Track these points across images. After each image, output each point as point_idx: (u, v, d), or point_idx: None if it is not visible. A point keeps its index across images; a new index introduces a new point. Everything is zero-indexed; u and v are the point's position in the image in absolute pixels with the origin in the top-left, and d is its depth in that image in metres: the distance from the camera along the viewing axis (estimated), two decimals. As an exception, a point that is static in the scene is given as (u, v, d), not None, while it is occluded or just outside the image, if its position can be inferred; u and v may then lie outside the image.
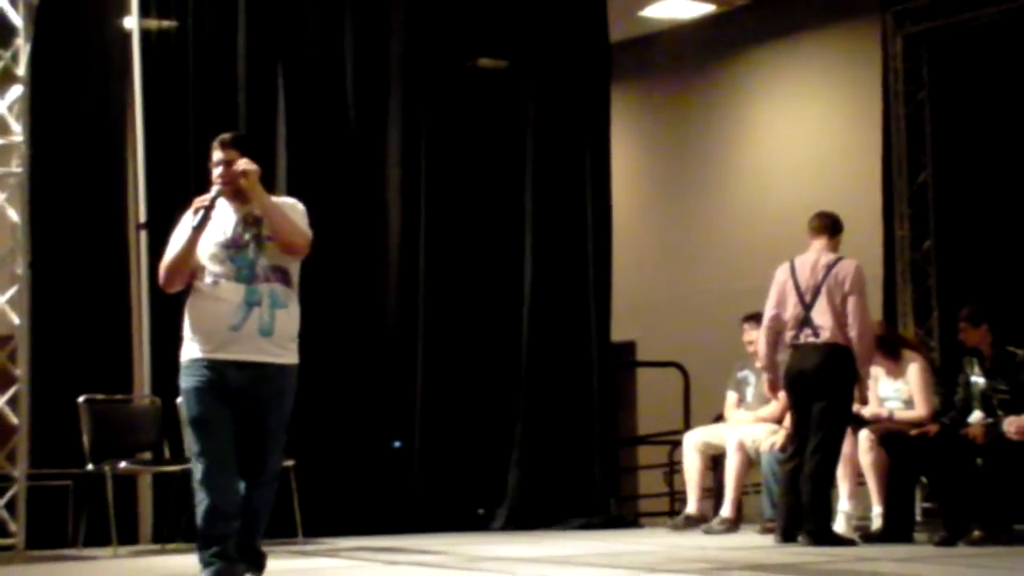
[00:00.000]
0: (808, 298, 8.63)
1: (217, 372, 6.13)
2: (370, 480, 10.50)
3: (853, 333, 8.54)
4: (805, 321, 8.63)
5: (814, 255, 8.76)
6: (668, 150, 14.78)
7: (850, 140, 12.88)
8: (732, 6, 13.71)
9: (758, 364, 10.12)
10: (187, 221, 6.23)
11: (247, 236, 6.23)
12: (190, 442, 6.25)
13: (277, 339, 6.19)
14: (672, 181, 14.70)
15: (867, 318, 8.66)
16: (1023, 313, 10.18)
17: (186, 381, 6.22)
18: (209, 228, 6.20)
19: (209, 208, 6.17)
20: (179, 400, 6.39)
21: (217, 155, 6.35)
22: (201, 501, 6.08)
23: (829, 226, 8.85)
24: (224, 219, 6.25)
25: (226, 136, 6.42)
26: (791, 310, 8.70)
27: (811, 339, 8.62)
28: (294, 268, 6.33)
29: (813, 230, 8.87)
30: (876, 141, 11.94)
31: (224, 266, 6.16)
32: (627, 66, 13.22)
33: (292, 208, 6.36)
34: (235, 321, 6.12)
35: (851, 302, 8.56)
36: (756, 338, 9.93)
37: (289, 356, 6.28)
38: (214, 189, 6.25)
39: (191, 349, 6.23)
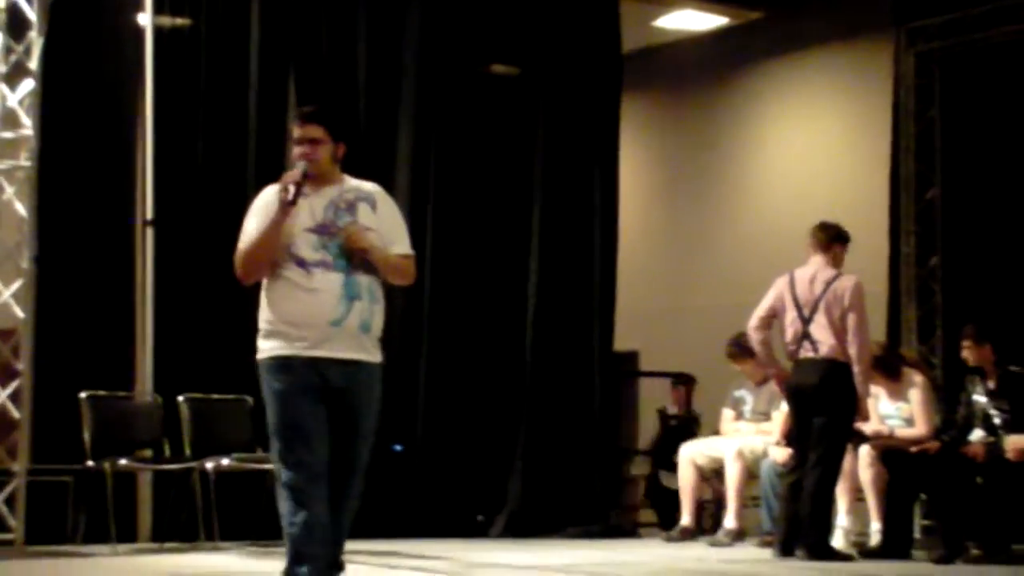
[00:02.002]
0: (807, 312, 8.60)
1: (316, 371, 5.60)
2: (370, 484, 10.44)
3: (852, 350, 8.52)
4: (804, 336, 8.60)
5: (812, 268, 8.72)
6: (676, 161, 14.77)
7: (859, 156, 12.87)
8: (745, 19, 13.69)
9: (754, 383, 10.17)
10: (262, 204, 5.72)
11: (340, 223, 5.69)
12: (280, 450, 5.63)
13: (373, 336, 5.75)
14: (679, 192, 14.69)
15: (866, 335, 8.62)
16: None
17: (277, 382, 5.65)
18: (293, 213, 5.63)
19: (300, 185, 5.59)
20: (265, 401, 5.74)
21: (297, 132, 5.80)
22: (295, 515, 5.57)
23: (829, 238, 8.79)
24: (311, 203, 5.69)
25: (305, 109, 5.89)
26: (790, 324, 8.68)
27: (810, 354, 8.60)
28: None
29: (813, 242, 8.83)
30: (884, 157, 11.92)
31: (318, 253, 5.62)
32: (638, 76, 13.20)
33: (394, 219, 5.86)
34: (336, 315, 5.59)
35: (850, 319, 8.52)
36: (748, 367, 10.04)
37: (378, 354, 5.82)
38: (300, 165, 5.68)
39: (278, 345, 5.65)
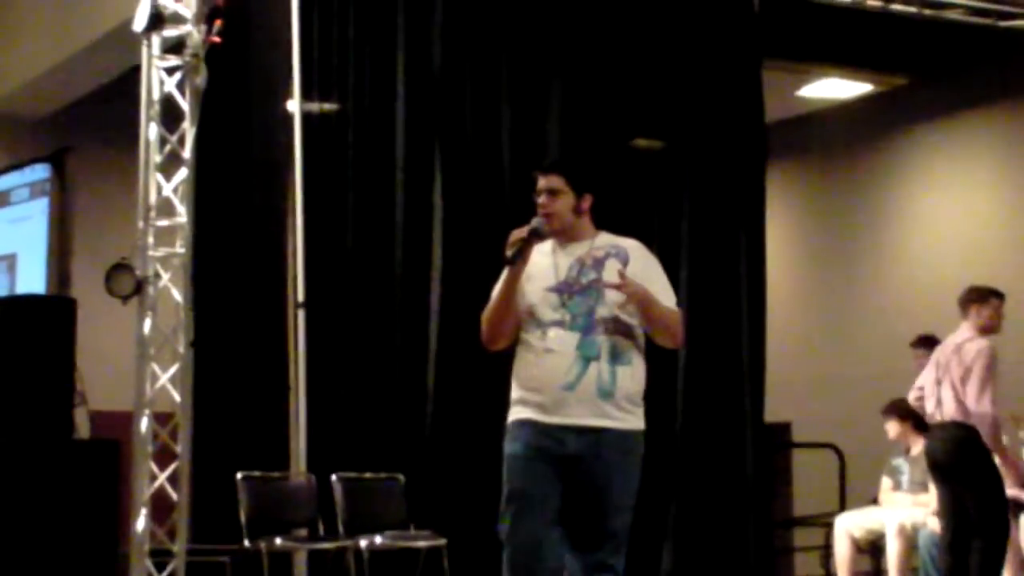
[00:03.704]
0: (939, 372, 8.47)
1: (550, 437, 5.31)
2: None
3: (970, 414, 8.33)
4: (938, 400, 8.48)
5: (955, 333, 8.60)
6: (824, 230, 14.66)
7: (1011, 221, 12.67)
8: (890, 86, 13.59)
9: (911, 452, 10.01)
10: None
11: (584, 280, 5.41)
12: (504, 515, 5.43)
13: (619, 400, 5.35)
14: (828, 261, 14.57)
15: (983, 398, 8.32)
16: None
17: (510, 446, 5.42)
18: (537, 271, 5.40)
19: (528, 243, 5.35)
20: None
21: (538, 183, 5.57)
22: None
23: (965, 300, 8.63)
24: (555, 260, 5.46)
25: (547, 161, 5.66)
26: (929, 390, 8.58)
27: (936, 418, 8.48)
28: (637, 323, 5.46)
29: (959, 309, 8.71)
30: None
31: (556, 313, 5.35)
32: (784, 145, 13.15)
33: (652, 272, 5.53)
34: (570, 378, 5.29)
35: (970, 384, 8.34)
36: (896, 429, 9.89)
37: (634, 420, 5.43)
38: (534, 221, 5.45)
39: (519, 411, 5.42)
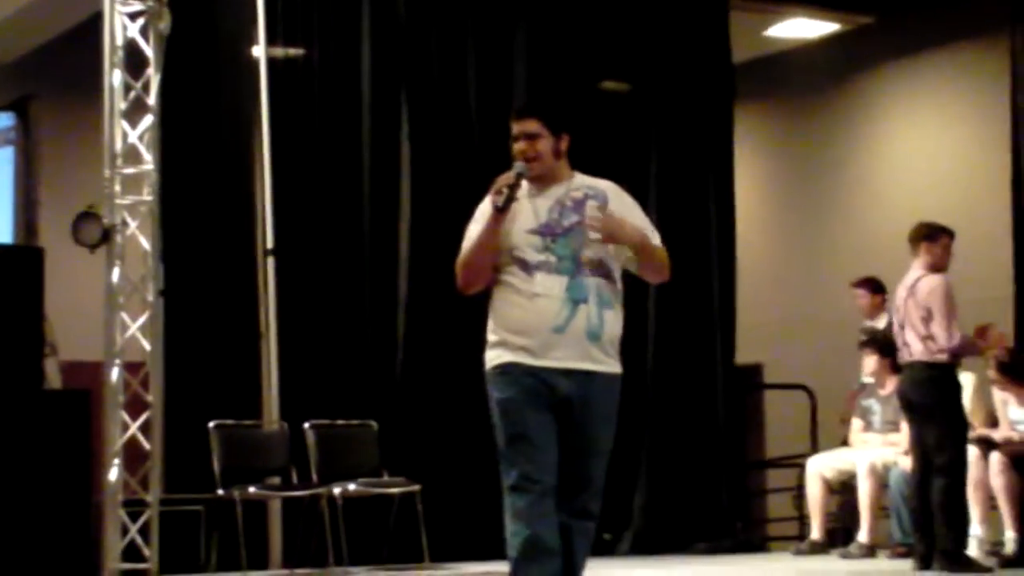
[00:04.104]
0: (900, 316, 8.50)
1: (541, 380, 5.22)
2: (497, 504, 10.49)
3: (942, 354, 8.35)
4: (904, 341, 8.50)
5: (908, 274, 8.59)
6: (793, 170, 14.66)
7: (979, 158, 12.68)
8: (856, 25, 13.56)
9: (880, 391, 10.04)
10: (486, 208, 5.35)
11: (565, 223, 5.32)
12: (505, 463, 5.31)
13: (605, 344, 5.30)
14: (797, 201, 14.57)
15: (950, 333, 8.27)
16: None
17: (501, 391, 5.29)
18: (516, 213, 5.28)
19: (514, 188, 5.24)
20: (492, 411, 5.37)
21: (513, 128, 5.44)
22: (516, 532, 5.21)
23: (915, 238, 8.59)
24: (534, 203, 5.36)
25: (520, 105, 5.46)
26: (895, 332, 8.60)
27: (906, 358, 8.50)
28: (616, 266, 5.39)
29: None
30: (1005, 159, 11.75)
31: (541, 255, 5.25)
32: (751, 86, 13.13)
33: (632, 212, 5.43)
34: (559, 321, 5.21)
35: (934, 322, 8.31)
36: (873, 366, 9.92)
37: (616, 365, 5.37)
38: (516, 166, 5.34)
39: (502, 354, 5.30)
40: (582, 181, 5.47)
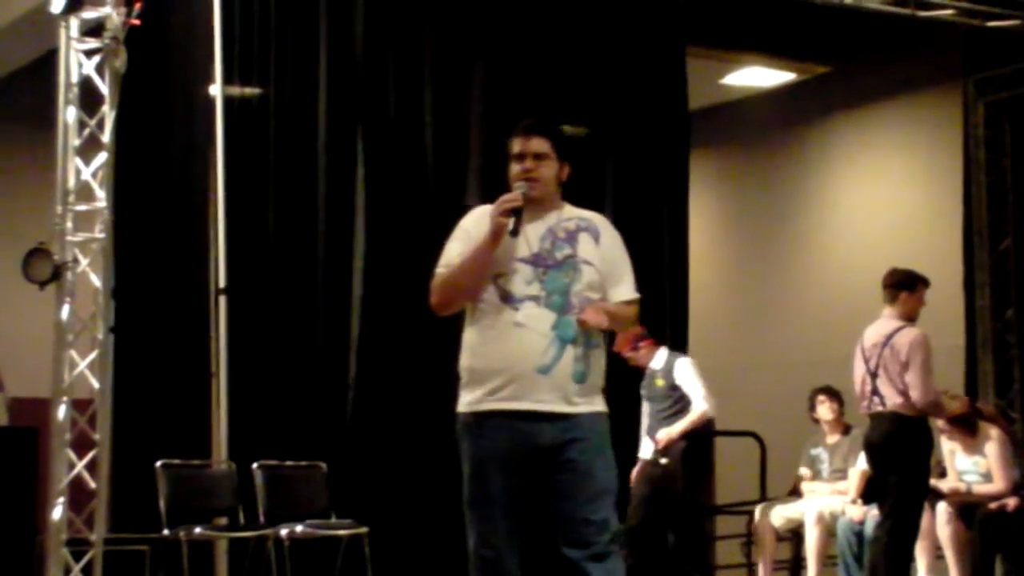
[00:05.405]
0: (873, 366, 8.45)
1: (521, 435, 4.90)
2: (444, 547, 10.45)
3: (917, 405, 8.33)
4: (873, 391, 8.45)
5: (881, 322, 8.55)
6: (746, 218, 14.72)
7: (931, 208, 12.77)
8: (812, 74, 13.66)
9: (828, 440, 10.06)
10: (469, 226, 5.08)
11: (558, 255, 5.03)
12: (468, 522, 5.02)
13: (589, 387, 5.03)
14: (749, 249, 14.63)
15: (927, 387, 8.27)
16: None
17: (473, 445, 4.97)
18: (504, 239, 4.94)
19: (521, 210, 4.91)
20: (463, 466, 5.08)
21: (517, 147, 5.14)
22: None
23: (892, 284, 8.54)
24: (525, 229, 5.01)
25: (528, 122, 5.13)
26: (859, 380, 8.53)
27: (878, 408, 8.44)
28: (601, 296, 5.11)
29: (883, 293, 8.67)
30: (957, 209, 11.85)
31: (531, 287, 4.94)
32: (706, 134, 13.19)
33: (619, 254, 5.22)
34: (545, 360, 4.89)
35: (910, 374, 8.28)
36: (826, 414, 9.95)
37: (601, 403, 5.11)
38: (519, 186, 5.03)
39: (479, 399, 4.96)
40: (572, 211, 5.23)
